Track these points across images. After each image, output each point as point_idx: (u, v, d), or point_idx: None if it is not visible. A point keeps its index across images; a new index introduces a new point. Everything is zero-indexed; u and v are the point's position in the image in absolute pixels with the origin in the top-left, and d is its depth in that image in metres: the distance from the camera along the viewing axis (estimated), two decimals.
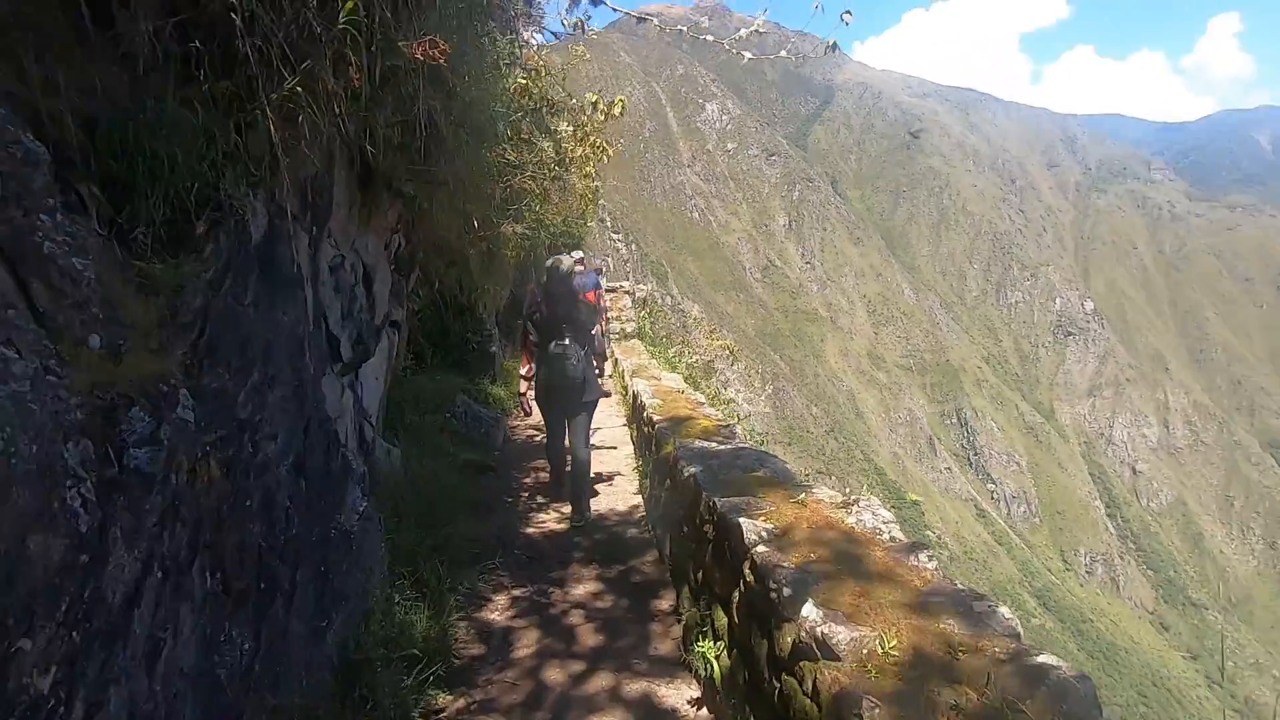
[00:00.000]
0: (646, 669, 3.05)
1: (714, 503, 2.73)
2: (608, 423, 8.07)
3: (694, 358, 19.04)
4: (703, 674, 2.65)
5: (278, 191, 2.37)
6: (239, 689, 1.85)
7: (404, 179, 3.23)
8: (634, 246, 75.63)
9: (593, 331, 4.94)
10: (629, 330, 12.72)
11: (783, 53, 5.40)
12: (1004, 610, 1.73)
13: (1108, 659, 64.79)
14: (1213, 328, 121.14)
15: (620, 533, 4.74)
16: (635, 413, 6.32)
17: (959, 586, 1.88)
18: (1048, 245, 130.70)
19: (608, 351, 10.14)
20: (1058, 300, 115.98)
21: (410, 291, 6.89)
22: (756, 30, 5.32)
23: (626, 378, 8.28)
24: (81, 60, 1.73)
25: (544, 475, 6.18)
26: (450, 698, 2.85)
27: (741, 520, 2.37)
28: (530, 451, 7.10)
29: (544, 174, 7.54)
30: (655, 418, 4.80)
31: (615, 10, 5.04)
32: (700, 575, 3.00)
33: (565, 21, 5.94)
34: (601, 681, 2.97)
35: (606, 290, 12.90)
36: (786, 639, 1.84)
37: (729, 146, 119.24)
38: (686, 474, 3.42)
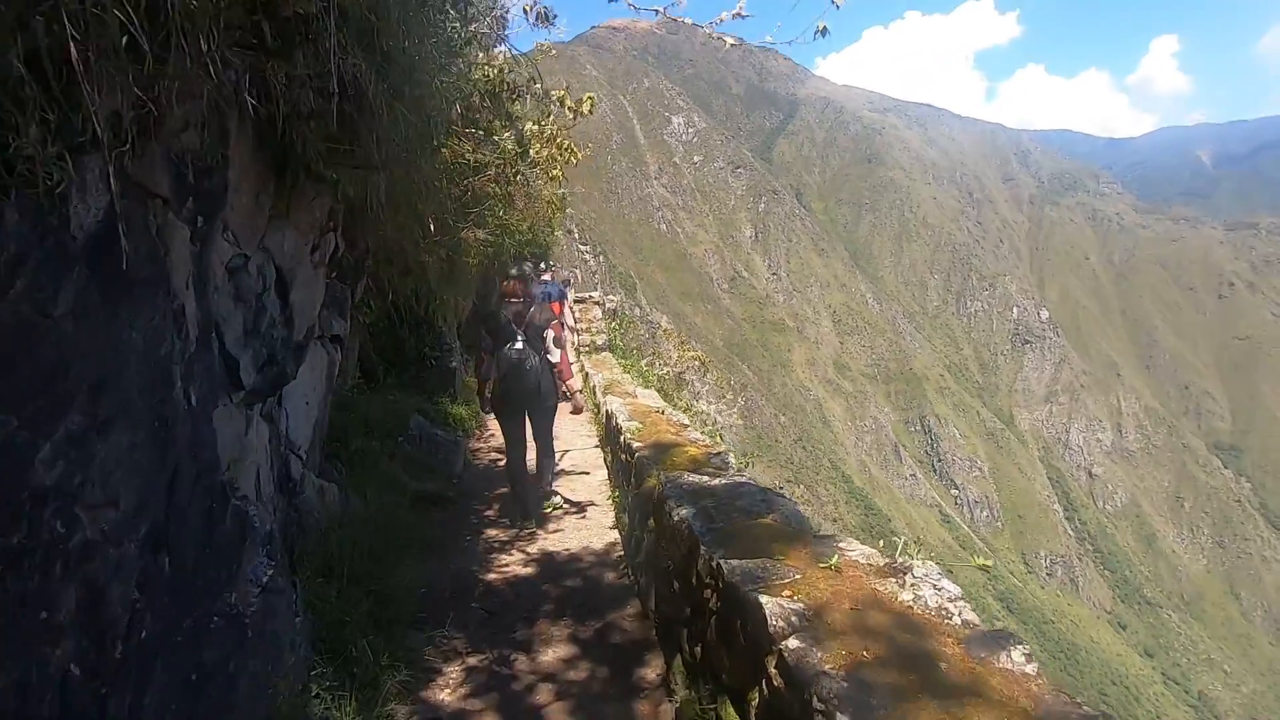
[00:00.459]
0: None
1: (719, 565, 2.15)
2: (578, 443, 7.45)
3: (665, 369, 18.56)
4: None
5: (132, 164, 1.73)
6: None
7: (323, 160, 2.59)
8: (602, 258, 75.16)
9: (546, 335, 4.84)
10: (599, 343, 12.11)
11: (767, 37, 4.90)
12: None
13: (1069, 659, 65.98)
14: (1161, 335, 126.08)
15: (596, 577, 4.13)
16: (610, 435, 5.72)
17: (1085, 709, 1.34)
18: (1004, 256, 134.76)
19: (571, 358, 9.64)
20: (1015, 309, 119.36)
21: (359, 302, 6.20)
22: (739, 13, 4.87)
23: (599, 394, 7.68)
24: None
25: (508, 507, 5.54)
26: None
27: (763, 599, 1.79)
28: (493, 478, 6.43)
29: (507, 173, 6.92)
30: (634, 444, 4.22)
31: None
32: (699, 651, 2.41)
33: (528, 9, 5.40)
34: None
35: (576, 301, 12.32)
36: None
37: (695, 159, 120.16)
38: (677, 517, 2.84)
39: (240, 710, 2.02)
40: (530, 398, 4.76)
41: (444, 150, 5.77)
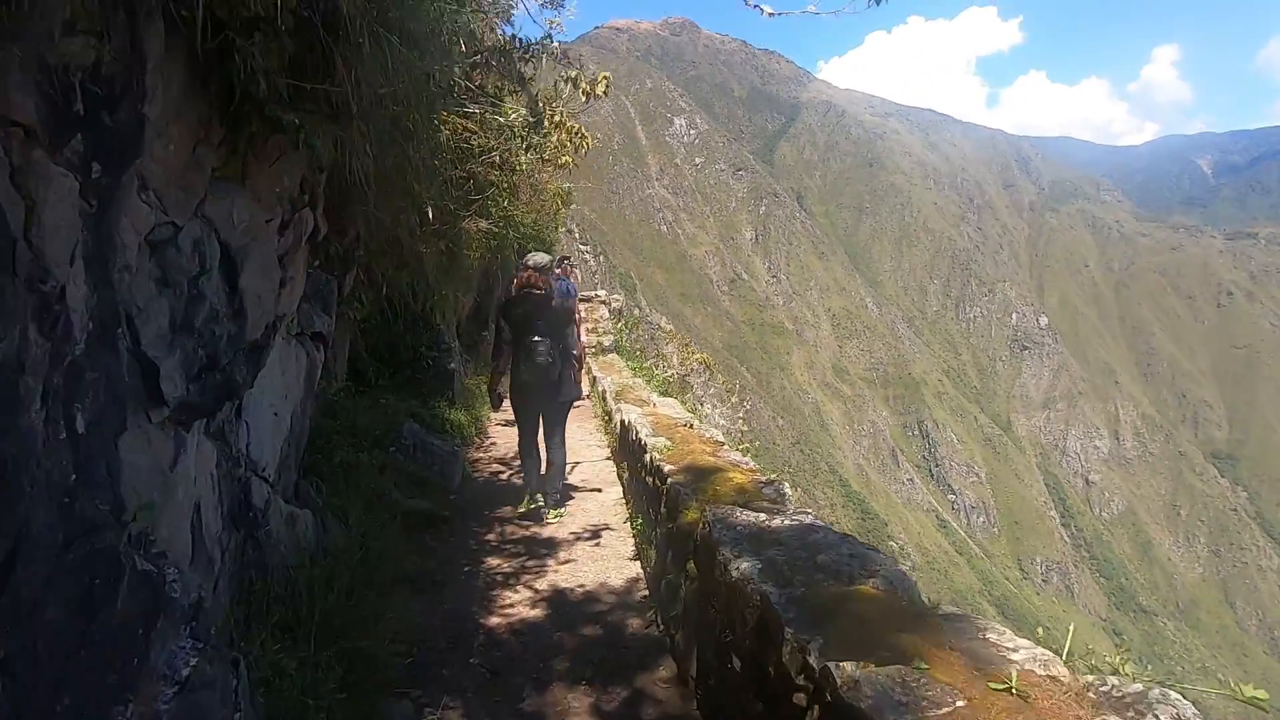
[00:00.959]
0: None
1: (826, 672, 1.51)
2: (587, 454, 6.79)
3: (669, 372, 17.93)
4: None
5: None
6: None
7: (284, 104, 1.94)
8: (602, 258, 74.63)
9: (568, 331, 4.81)
10: (606, 344, 11.45)
11: (810, 6, 4.32)
12: None
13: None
14: (1159, 343, 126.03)
15: (617, 624, 3.48)
16: (628, 450, 5.08)
17: None
18: (1004, 262, 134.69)
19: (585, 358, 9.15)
20: (1014, 315, 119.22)
21: (348, 296, 5.54)
22: None
23: (609, 400, 7.03)
24: None
25: (512, 529, 4.89)
26: None
27: None
28: (496, 493, 5.78)
29: (513, 159, 6.27)
30: (665, 466, 3.57)
31: None
32: None
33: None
34: None
35: (582, 300, 11.70)
36: None
37: (696, 161, 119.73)
38: (736, 574, 2.20)
39: None
40: (548, 392, 4.69)
41: (444, 129, 5.14)
